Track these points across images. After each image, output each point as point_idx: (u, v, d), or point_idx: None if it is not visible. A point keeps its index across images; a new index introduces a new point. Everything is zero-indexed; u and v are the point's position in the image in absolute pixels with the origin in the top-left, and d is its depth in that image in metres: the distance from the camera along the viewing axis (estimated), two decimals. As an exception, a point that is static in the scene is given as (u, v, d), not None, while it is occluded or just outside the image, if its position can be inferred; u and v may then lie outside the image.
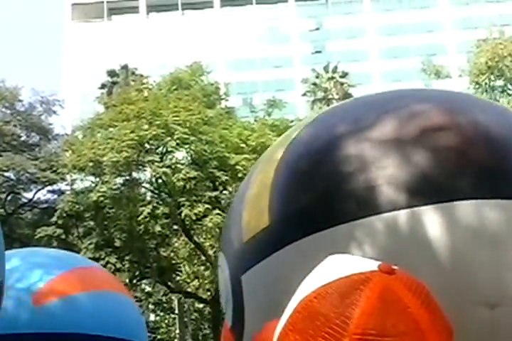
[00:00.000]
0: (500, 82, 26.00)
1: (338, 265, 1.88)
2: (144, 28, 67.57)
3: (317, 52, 66.09)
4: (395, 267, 1.72)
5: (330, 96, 46.51)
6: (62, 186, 27.92)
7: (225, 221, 4.16)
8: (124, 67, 43.29)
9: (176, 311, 29.53)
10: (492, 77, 25.67)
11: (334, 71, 49.77)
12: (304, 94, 51.11)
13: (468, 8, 67.19)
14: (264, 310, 3.24)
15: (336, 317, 1.71)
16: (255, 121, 25.45)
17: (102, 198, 22.29)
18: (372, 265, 1.75)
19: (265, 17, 68.56)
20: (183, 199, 22.30)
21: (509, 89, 26.03)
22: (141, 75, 36.69)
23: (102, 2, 69.05)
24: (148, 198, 24.10)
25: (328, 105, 44.21)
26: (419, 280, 1.78)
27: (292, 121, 24.65)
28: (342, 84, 47.95)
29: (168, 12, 69.04)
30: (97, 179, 23.42)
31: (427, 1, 68.98)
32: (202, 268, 26.23)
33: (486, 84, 25.70)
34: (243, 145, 22.34)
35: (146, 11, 70.03)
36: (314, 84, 49.17)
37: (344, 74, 49.46)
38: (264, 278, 3.34)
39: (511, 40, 26.26)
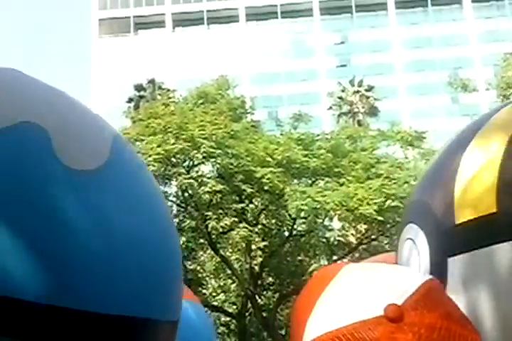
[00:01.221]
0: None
1: (354, 288, 1.72)
2: (170, 43, 68.15)
3: (342, 65, 66.15)
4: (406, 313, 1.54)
5: (356, 110, 46.46)
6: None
7: (414, 193, 3.65)
8: (151, 82, 43.68)
9: (202, 325, 29.43)
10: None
11: (360, 85, 49.74)
12: (330, 108, 51.12)
13: (494, 21, 66.91)
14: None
15: None
16: (281, 134, 25.50)
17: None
18: (380, 306, 1.59)
19: (290, 31, 68.84)
20: (210, 212, 22.36)
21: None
22: (168, 89, 36.92)
23: (129, 17, 69.82)
24: (175, 211, 24.19)
25: (354, 119, 44.23)
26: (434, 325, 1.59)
27: (318, 135, 24.67)
28: (368, 97, 47.88)
29: (193, 26, 69.59)
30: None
31: (453, 14, 68.82)
32: (228, 281, 26.22)
33: (513, 97, 25.50)
34: (269, 158, 22.38)
35: (172, 25, 70.66)
36: (340, 97, 49.17)
37: (370, 88, 49.40)
38: (473, 268, 3.00)
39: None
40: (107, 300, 1.97)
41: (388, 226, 20.65)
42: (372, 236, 21.47)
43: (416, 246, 3.17)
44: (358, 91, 48.66)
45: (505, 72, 26.11)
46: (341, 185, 20.35)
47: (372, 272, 2.13)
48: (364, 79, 50.91)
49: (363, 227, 21.47)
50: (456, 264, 3.00)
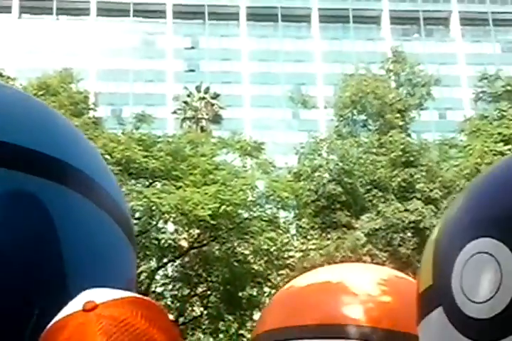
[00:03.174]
0: (362, 117, 27.20)
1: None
2: (15, 29, 65.43)
3: (191, 70, 66.48)
4: (99, 302, 1.77)
5: (200, 116, 46.86)
6: None
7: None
8: (-10, 67, 41.68)
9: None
10: (355, 112, 26.80)
11: (206, 91, 50.25)
12: (174, 112, 51.22)
13: (339, 43, 69.96)
14: None
15: None
16: (122, 133, 25.27)
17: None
18: (80, 304, 1.81)
19: (141, 30, 68.29)
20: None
21: (370, 125, 27.28)
22: (8, 77, 35.46)
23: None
24: None
25: (197, 124, 44.59)
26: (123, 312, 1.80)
27: (160, 137, 24.68)
28: (213, 104, 48.47)
29: (42, 15, 67.30)
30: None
31: (301, 32, 71.25)
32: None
33: (348, 117, 26.80)
34: (107, 156, 22.11)
35: (18, 11, 67.92)
36: (185, 102, 49.39)
37: (215, 96, 50.04)
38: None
39: (375, 78, 27.52)
40: None
41: (220, 232, 21.00)
42: (204, 242, 21.74)
43: (497, 261, 3.23)
44: (203, 98, 49.11)
45: (343, 92, 27.37)
46: (178, 188, 20.47)
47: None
48: (211, 87, 51.47)
49: (195, 232, 21.71)
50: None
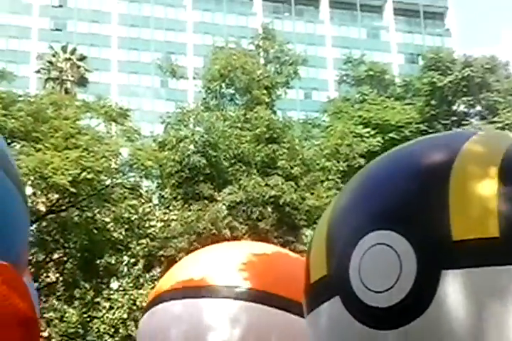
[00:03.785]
0: (230, 91, 27.34)
1: None
2: None
3: (57, 29, 64.04)
4: None
5: (64, 77, 45.33)
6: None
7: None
8: None
9: None
10: (223, 85, 26.89)
11: (72, 53, 48.63)
12: (38, 71, 49.26)
13: (211, 15, 69.72)
14: None
15: None
16: (-20, 90, 24.03)
17: None
18: None
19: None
20: None
21: (237, 99, 27.48)
22: None
23: None
24: None
25: (61, 86, 43.16)
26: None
27: (20, 96, 23.70)
28: (79, 67, 47.01)
29: None
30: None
31: (174, 0, 70.35)
32: None
33: (216, 90, 26.86)
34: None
35: None
36: (50, 62, 47.59)
37: (82, 58, 48.55)
38: (469, 285, 3.25)
39: (244, 53, 27.69)
40: None
41: (80, 198, 20.61)
42: (63, 207, 21.26)
43: (396, 252, 3.29)
44: (69, 59, 47.52)
45: (213, 65, 27.37)
46: (38, 150, 19.84)
47: None
48: (77, 48, 49.87)
49: (54, 196, 21.17)
50: (449, 278, 3.28)
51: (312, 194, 23.64)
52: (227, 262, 5.06)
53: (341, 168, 25.53)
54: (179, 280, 5.11)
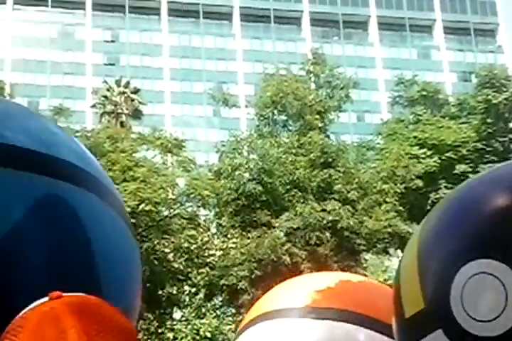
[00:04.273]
0: (282, 117, 27.43)
1: None
2: None
3: (110, 64, 65.47)
4: (65, 294, 1.87)
5: (119, 111, 46.22)
6: None
7: None
8: None
9: None
10: (275, 112, 27.01)
11: (126, 86, 49.60)
12: (93, 106, 50.36)
13: (260, 42, 70.37)
14: None
15: None
16: (40, 127, 24.58)
17: None
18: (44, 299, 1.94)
19: (60, 21, 66.79)
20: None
21: (290, 125, 27.54)
22: None
23: None
24: None
25: (117, 119, 43.99)
26: (89, 299, 1.92)
27: (78, 131, 24.20)
28: (133, 100, 47.90)
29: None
30: None
31: (223, 29, 71.29)
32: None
33: (269, 117, 26.98)
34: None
35: None
36: (105, 96, 48.63)
37: (136, 90, 49.47)
38: None
39: (295, 79, 27.79)
40: None
41: (140, 230, 20.82)
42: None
43: (500, 281, 3.23)
44: (123, 92, 48.45)
45: (264, 92, 27.53)
46: (97, 184, 20.14)
47: None
48: (131, 81, 50.85)
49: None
50: None
51: (370, 217, 23.41)
52: (323, 286, 5.07)
53: (399, 190, 25.25)
54: (279, 301, 5.09)
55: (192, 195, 21.75)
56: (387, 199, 24.53)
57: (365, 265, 22.93)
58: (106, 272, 2.66)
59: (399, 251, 29.45)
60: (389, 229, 23.44)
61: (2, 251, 2.45)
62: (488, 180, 3.83)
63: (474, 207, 3.72)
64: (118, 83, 49.98)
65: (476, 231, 3.46)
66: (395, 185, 25.38)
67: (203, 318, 21.94)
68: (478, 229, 3.45)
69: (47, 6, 67.10)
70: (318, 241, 22.11)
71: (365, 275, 22.02)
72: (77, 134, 23.47)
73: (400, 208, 24.93)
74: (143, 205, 19.70)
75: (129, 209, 19.46)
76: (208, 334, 20.97)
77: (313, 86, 28.96)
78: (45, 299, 1.79)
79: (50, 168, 2.71)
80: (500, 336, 3.18)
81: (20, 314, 1.79)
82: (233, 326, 21.90)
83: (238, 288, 21.17)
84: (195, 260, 21.62)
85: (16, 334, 1.72)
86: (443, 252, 3.53)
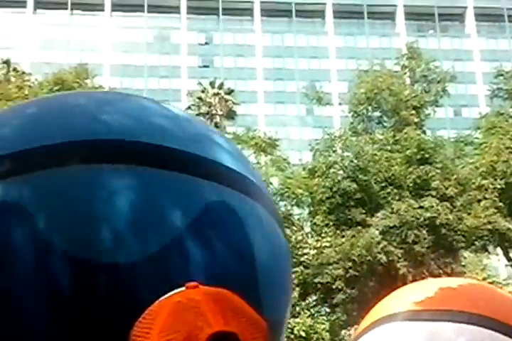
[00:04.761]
0: (377, 114, 27.07)
1: None
2: (29, 24, 65.66)
3: (205, 66, 66.47)
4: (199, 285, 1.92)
5: (214, 112, 46.89)
6: None
7: None
8: (6, 62, 41.88)
9: None
10: (370, 108, 26.68)
11: (220, 87, 50.23)
12: (189, 108, 51.25)
13: (353, 39, 69.76)
14: None
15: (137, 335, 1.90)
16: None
17: None
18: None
19: (155, 26, 68.35)
20: None
21: (385, 121, 27.15)
22: (23, 72, 35.62)
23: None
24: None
25: (211, 120, 44.64)
26: (224, 291, 1.94)
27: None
28: (227, 100, 48.46)
29: (56, 10, 67.48)
30: None
31: (315, 27, 71.06)
32: None
33: (363, 114, 26.68)
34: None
35: (33, 6, 68.15)
36: (199, 98, 49.42)
37: (230, 91, 50.02)
38: None
39: (390, 74, 27.39)
40: None
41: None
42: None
43: None
44: (217, 94, 49.09)
45: (358, 88, 27.26)
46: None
47: None
48: (225, 82, 51.45)
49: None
50: None
51: (469, 214, 22.77)
52: (453, 288, 5.06)
53: (499, 186, 24.45)
54: (411, 302, 5.09)
55: (286, 194, 21.77)
56: (487, 196, 23.80)
57: (463, 263, 22.33)
58: (264, 283, 2.61)
59: (498, 248, 28.56)
60: (488, 226, 22.75)
61: (164, 258, 2.41)
62: None
63: None
64: (212, 85, 50.67)
65: None
66: (495, 180, 24.58)
67: (297, 317, 21.92)
68: None
69: (143, 11, 68.81)
70: (415, 239, 21.70)
71: (464, 273, 21.49)
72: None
73: (500, 204, 24.13)
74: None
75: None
76: (303, 333, 20.94)
77: (408, 81, 28.49)
78: (182, 289, 1.85)
79: (219, 175, 2.64)
80: None
81: (156, 302, 1.85)
82: (327, 325, 21.78)
83: (333, 287, 21.04)
84: (290, 259, 21.66)
85: (154, 319, 1.77)
86: None
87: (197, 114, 47.87)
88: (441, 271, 21.27)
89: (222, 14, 69.57)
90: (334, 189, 23.13)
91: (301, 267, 21.65)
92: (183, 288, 1.86)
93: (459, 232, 22.17)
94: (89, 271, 2.36)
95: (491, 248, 26.13)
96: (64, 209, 2.44)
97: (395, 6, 71.21)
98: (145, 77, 65.14)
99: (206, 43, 69.05)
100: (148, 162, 2.55)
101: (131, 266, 2.37)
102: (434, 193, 22.96)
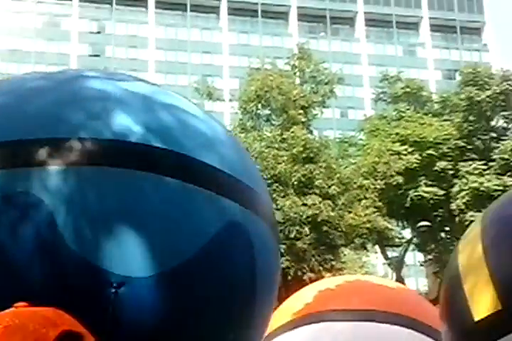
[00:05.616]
0: (266, 112, 27.46)
1: None
2: None
3: (95, 55, 65.22)
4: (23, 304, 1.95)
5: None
6: None
7: None
8: None
9: None
10: (259, 106, 27.03)
11: (110, 77, 49.51)
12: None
13: (246, 36, 70.32)
14: None
15: None
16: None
17: None
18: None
19: (46, 12, 66.45)
20: None
21: (273, 120, 27.59)
22: None
23: None
24: None
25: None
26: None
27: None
28: (116, 91, 47.79)
29: None
30: None
31: (210, 23, 71.15)
32: None
33: (252, 111, 26.99)
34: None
35: None
36: (88, 87, 48.49)
37: (120, 82, 49.37)
38: None
39: (280, 74, 27.82)
40: None
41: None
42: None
43: None
44: (107, 84, 48.34)
45: (249, 86, 27.55)
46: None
47: None
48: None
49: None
50: None
51: (350, 212, 23.55)
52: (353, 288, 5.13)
53: (379, 186, 25.42)
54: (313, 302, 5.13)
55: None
56: (367, 195, 24.70)
57: (343, 260, 23.07)
58: (261, 286, 2.68)
59: (377, 246, 29.69)
60: (368, 225, 23.64)
61: (186, 273, 2.40)
62: None
63: None
64: (103, 74, 49.85)
65: None
66: (376, 180, 25.55)
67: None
68: None
69: (34, -4, 66.77)
70: (297, 236, 22.24)
71: (343, 270, 22.22)
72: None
73: (380, 204, 25.13)
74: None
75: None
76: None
77: (298, 81, 29.01)
78: (11, 309, 1.85)
79: (234, 192, 2.60)
80: None
81: None
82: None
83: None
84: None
85: None
86: None
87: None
88: (321, 267, 21.92)
89: (116, 4, 68.46)
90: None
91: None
92: (12, 309, 1.87)
93: (339, 230, 22.90)
94: (99, 278, 2.33)
95: (369, 246, 27.13)
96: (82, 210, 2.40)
97: (289, 6, 72.32)
98: (32, 63, 63.19)
99: (98, 32, 67.73)
100: (173, 173, 2.49)
101: (141, 282, 2.35)
102: (317, 191, 23.58)
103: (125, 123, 2.60)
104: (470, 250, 3.53)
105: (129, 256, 2.36)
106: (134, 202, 2.40)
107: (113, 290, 2.38)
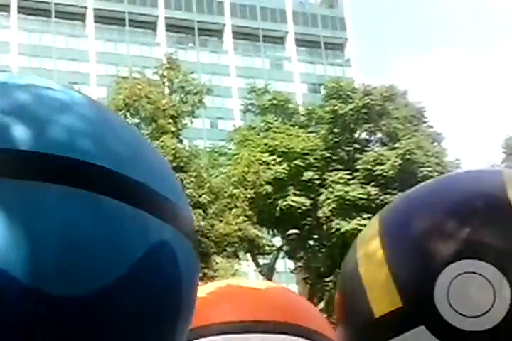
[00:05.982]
0: (135, 120, 27.18)
1: None
2: None
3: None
4: None
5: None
6: None
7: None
8: None
9: None
10: (128, 115, 26.72)
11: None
12: None
13: (114, 45, 69.44)
14: None
15: None
16: None
17: None
18: None
19: None
20: None
21: (143, 129, 27.34)
22: None
23: None
24: None
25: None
26: None
27: None
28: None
29: None
30: None
31: (75, 30, 69.71)
32: None
33: (122, 120, 26.64)
34: None
35: None
36: None
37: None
38: None
39: (149, 83, 27.67)
40: None
41: None
42: None
43: (486, 279, 3.28)
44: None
45: (117, 94, 27.23)
46: None
47: None
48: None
49: None
50: None
51: (221, 221, 23.68)
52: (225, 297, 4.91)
53: (249, 195, 25.75)
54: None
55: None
56: (238, 204, 24.95)
57: (215, 268, 23.12)
58: (186, 299, 2.66)
59: (248, 254, 29.99)
60: (239, 233, 23.86)
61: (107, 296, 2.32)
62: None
63: (456, 211, 3.78)
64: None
65: (459, 235, 3.54)
66: (246, 190, 25.85)
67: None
68: (462, 232, 3.54)
69: None
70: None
71: (216, 278, 22.24)
72: None
73: (250, 212, 25.44)
74: None
75: None
76: None
77: (167, 91, 28.93)
78: None
79: (161, 210, 2.50)
80: (488, 330, 3.33)
81: None
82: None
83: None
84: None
85: None
86: (423, 255, 3.56)
87: None
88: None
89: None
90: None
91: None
92: None
93: (211, 238, 22.96)
94: (35, 300, 2.20)
95: (241, 254, 27.35)
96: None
97: (157, 16, 72.13)
98: None
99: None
100: (105, 190, 2.35)
101: (76, 300, 2.26)
102: (188, 201, 23.54)
103: (32, 132, 2.43)
104: (368, 248, 3.62)
105: (63, 275, 2.30)
106: (32, 218, 2.29)
107: (34, 309, 2.27)
